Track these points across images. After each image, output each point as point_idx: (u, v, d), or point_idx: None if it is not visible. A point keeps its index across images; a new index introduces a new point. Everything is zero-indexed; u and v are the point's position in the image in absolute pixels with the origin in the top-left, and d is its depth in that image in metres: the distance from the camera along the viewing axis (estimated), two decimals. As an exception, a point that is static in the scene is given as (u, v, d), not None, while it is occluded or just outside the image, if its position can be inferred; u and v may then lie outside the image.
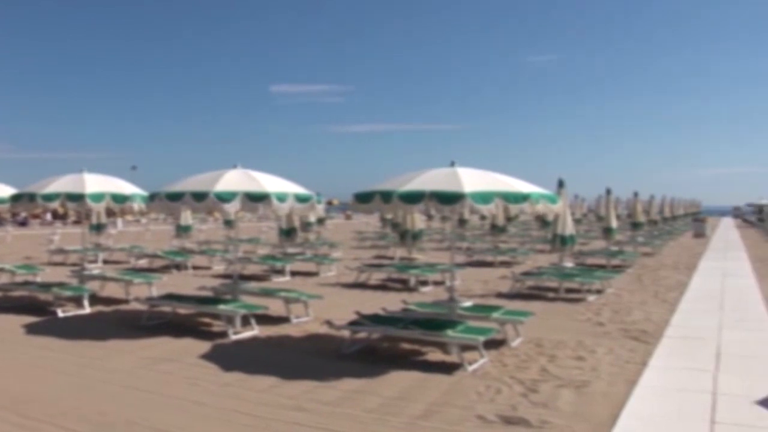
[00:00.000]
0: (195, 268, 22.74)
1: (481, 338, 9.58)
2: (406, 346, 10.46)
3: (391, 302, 13.44)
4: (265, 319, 12.52)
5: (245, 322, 11.86)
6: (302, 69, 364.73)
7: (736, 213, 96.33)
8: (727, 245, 37.14)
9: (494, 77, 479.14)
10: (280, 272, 20.94)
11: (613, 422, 7.04)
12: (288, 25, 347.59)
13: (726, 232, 52.46)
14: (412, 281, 18.42)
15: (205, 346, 10.68)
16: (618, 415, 7.26)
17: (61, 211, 55.14)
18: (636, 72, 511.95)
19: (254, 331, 11.71)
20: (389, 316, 11.25)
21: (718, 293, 17.00)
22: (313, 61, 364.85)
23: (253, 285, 15.67)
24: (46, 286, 14.84)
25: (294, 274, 21.02)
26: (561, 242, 16.49)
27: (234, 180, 11.72)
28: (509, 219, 32.55)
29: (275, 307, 13.11)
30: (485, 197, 9.42)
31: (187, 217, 27.10)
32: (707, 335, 11.63)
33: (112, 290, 16.01)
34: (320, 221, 32.49)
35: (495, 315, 11.26)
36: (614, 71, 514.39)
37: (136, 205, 14.46)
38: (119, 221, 51.79)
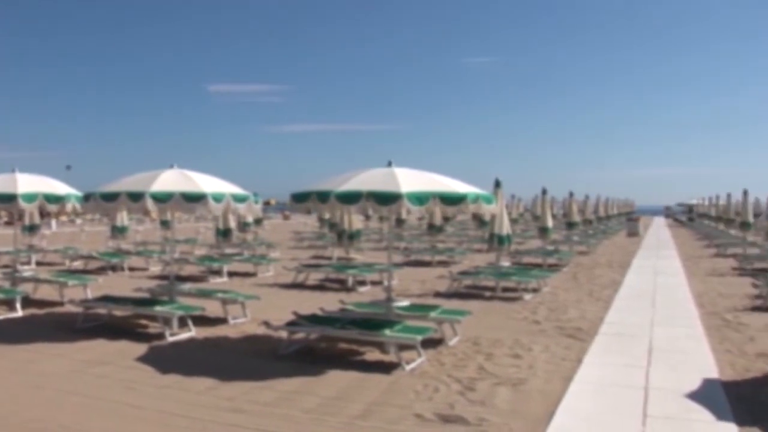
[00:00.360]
0: (131, 269, 22.38)
1: (419, 337, 9.64)
2: (344, 346, 10.47)
3: (329, 302, 13.42)
4: (202, 321, 12.39)
5: (182, 323, 11.73)
6: (241, 68, 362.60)
7: (668, 212, 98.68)
8: (659, 244, 38.05)
9: (433, 78, 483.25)
10: (218, 273, 20.76)
11: (549, 419, 7.17)
12: (227, 24, 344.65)
13: (658, 231, 53.71)
14: (350, 281, 18.43)
15: (141, 348, 10.53)
16: (554, 412, 7.38)
17: (-9, 211, 53.78)
18: (570, 73, 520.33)
19: (191, 332, 11.59)
20: (327, 317, 11.25)
21: (651, 291, 17.42)
22: (252, 61, 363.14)
23: (190, 286, 15.48)
24: (-25, 289, 14.43)
25: (231, 274, 20.84)
26: (498, 242, 16.67)
27: (170, 180, 11.61)
28: (446, 219, 32.82)
29: (212, 308, 12.98)
30: (422, 197, 9.50)
31: (123, 217, 26.65)
32: (640, 332, 11.91)
33: (46, 292, 15.66)
34: (258, 221, 32.30)
35: (432, 314, 11.35)
36: (549, 73, 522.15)
37: (71, 206, 14.20)
38: (53, 222, 50.64)
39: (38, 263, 24.53)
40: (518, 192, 50.24)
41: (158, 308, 11.88)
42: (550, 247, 27.13)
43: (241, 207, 12.33)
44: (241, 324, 12.55)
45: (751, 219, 29.51)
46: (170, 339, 11.16)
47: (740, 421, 7.05)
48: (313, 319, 10.82)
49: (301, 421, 7.14)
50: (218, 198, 11.57)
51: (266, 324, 11.24)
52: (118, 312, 12.77)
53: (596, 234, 38.38)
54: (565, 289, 17.78)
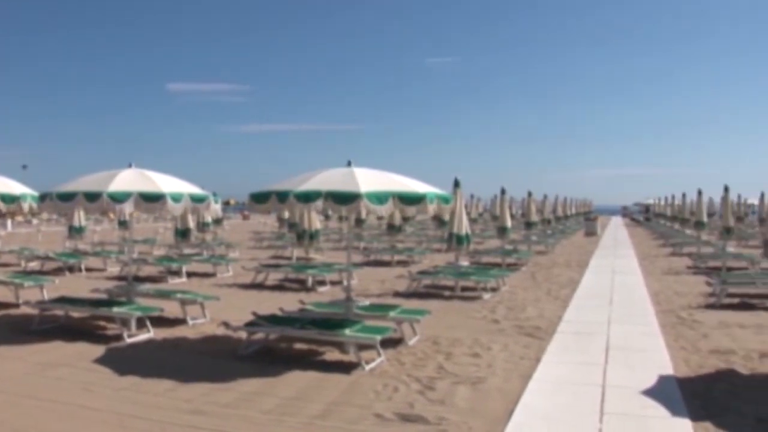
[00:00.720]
0: (89, 270, 22.13)
1: (378, 337, 9.67)
2: (303, 346, 10.48)
3: (288, 302, 13.40)
4: (160, 322, 12.29)
5: (140, 324, 11.64)
6: (201, 68, 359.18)
7: (625, 212, 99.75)
8: (616, 243, 38.53)
9: (392, 78, 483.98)
10: (177, 273, 20.61)
11: (509, 417, 7.24)
12: (186, 22, 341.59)
13: (615, 231, 54.36)
14: (310, 281, 18.40)
15: (99, 350, 10.42)
16: (513, 410, 7.47)
17: (-56, 212, 52.65)
18: (530, 74, 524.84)
19: (150, 333, 11.49)
20: (286, 317, 11.23)
21: (608, 290, 17.65)
22: (211, 60, 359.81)
23: (148, 287, 15.36)
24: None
25: (190, 275, 20.70)
26: (457, 241, 16.74)
27: (128, 180, 11.52)
28: (406, 219, 32.88)
29: (171, 308, 12.89)
30: (381, 197, 9.53)
31: (80, 217, 26.30)
32: (597, 330, 12.08)
33: (1, 294, 15.39)
34: (217, 221, 32.15)
35: (392, 314, 11.40)
36: (509, 73, 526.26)
37: (27, 206, 13.98)
38: (8, 222, 49.85)
39: (-7, 264, 24.14)
40: (477, 192, 50.41)
41: (116, 309, 11.76)
42: (509, 247, 27.34)
43: (199, 207, 12.28)
44: (200, 325, 12.48)
45: (705, 219, 30.16)
46: (128, 340, 11.06)
47: (694, 417, 7.19)
48: (273, 320, 10.80)
49: (260, 422, 7.14)
50: (177, 198, 11.50)
51: (225, 324, 11.19)
52: (76, 313, 12.64)
53: (554, 233, 38.74)
54: (524, 289, 17.94)
